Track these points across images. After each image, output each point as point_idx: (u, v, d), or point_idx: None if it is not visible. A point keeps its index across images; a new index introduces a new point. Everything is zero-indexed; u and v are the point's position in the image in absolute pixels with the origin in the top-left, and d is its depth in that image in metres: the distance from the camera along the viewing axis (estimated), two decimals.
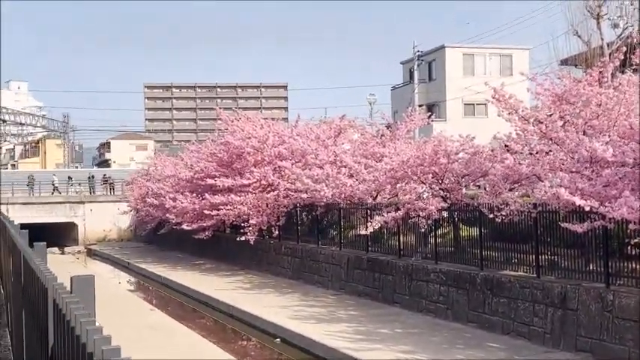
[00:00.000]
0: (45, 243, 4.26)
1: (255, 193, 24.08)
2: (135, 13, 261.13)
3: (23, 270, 3.85)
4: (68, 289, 2.21)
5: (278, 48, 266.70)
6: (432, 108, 41.67)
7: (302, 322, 15.13)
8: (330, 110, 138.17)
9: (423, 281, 15.92)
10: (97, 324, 1.71)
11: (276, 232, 24.12)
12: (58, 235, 45.39)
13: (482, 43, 46.30)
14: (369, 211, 18.62)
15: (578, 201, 10.57)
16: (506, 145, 14.51)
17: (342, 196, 20.02)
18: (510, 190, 14.04)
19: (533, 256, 13.26)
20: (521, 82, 26.77)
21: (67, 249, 43.68)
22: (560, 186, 10.99)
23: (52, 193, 50.38)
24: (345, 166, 20.47)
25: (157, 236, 36.51)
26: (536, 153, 13.25)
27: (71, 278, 2.38)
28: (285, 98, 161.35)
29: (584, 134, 12.46)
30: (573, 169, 12.03)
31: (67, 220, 47.47)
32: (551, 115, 13.57)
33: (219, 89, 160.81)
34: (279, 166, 23.48)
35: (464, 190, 16.83)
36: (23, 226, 9.67)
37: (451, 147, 16.01)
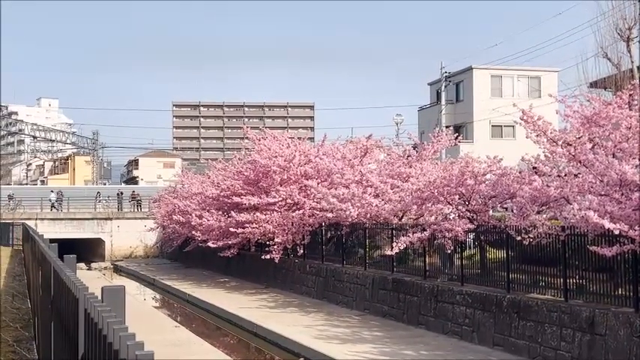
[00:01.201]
0: (75, 256, 4.32)
1: (280, 212, 24.14)
2: (165, 33, 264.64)
3: (53, 282, 3.90)
4: (99, 299, 2.25)
5: (305, 68, 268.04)
6: (459, 129, 41.44)
7: (326, 342, 15.05)
8: (356, 130, 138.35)
9: (449, 303, 15.79)
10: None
11: (301, 251, 24.11)
12: (85, 250, 45.84)
13: (511, 65, 46.14)
14: (394, 232, 18.56)
15: (607, 224, 10.44)
16: (534, 167, 14.42)
17: (368, 215, 19.99)
18: (538, 212, 13.91)
19: (561, 280, 13.10)
20: (549, 105, 26.65)
21: (93, 265, 44.05)
22: (589, 209, 10.87)
23: (51, 210, 50.71)
24: (371, 186, 20.45)
25: (183, 253, 36.69)
26: (565, 175, 13.13)
27: (102, 288, 2.41)
28: (312, 118, 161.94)
29: (613, 157, 12.32)
30: (602, 192, 11.90)
31: (94, 236, 47.94)
32: (580, 138, 13.47)
33: (246, 108, 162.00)
34: (305, 185, 23.52)
35: (491, 212, 16.72)
36: (51, 241, 9.80)
37: (478, 168, 15.94)
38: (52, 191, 55.10)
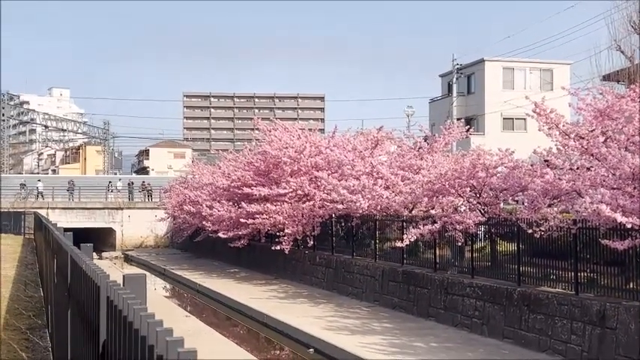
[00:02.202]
0: (92, 245, 4.35)
1: (291, 203, 24.18)
2: (176, 23, 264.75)
3: (70, 270, 3.94)
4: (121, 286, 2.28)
5: (315, 59, 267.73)
6: (471, 121, 41.28)
7: (336, 333, 15.10)
8: (367, 122, 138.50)
9: (459, 295, 15.79)
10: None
11: (311, 242, 24.15)
12: (96, 240, 45.92)
13: (523, 57, 45.92)
14: (404, 224, 18.56)
15: (619, 218, 10.42)
16: (546, 160, 14.37)
17: (378, 207, 20.00)
18: (549, 205, 13.88)
19: (572, 273, 13.07)
20: (561, 97, 26.54)
21: (104, 254, 44.29)
22: (602, 202, 10.84)
23: (37, 199, 50.68)
24: (381, 178, 20.45)
25: (193, 243, 36.85)
26: (577, 168, 13.09)
27: (123, 276, 2.44)
28: (322, 109, 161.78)
29: (626, 150, 12.27)
30: (615, 186, 11.86)
31: (105, 226, 48.18)
32: (592, 131, 13.41)
33: (256, 99, 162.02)
34: (315, 177, 23.54)
35: (502, 205, 16.69)
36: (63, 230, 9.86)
37: (490, 161, 15.90)
38: (39, 180, 55.03)
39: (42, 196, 51.56)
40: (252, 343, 17.19)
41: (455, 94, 46.19)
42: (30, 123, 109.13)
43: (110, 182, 56.31)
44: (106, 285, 2.27)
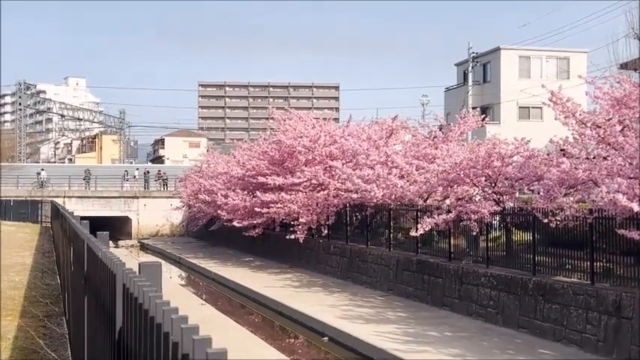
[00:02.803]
0: (108, 233, 4.39)
1: (305, 192, 24.20)
2: (191, 13, 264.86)
3: (86, 258, 3.97)
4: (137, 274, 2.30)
5: (330, 49, 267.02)
6: (486, 110, 41.11)
7: (350, 322, 15.14)
8: (381, 111, 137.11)
9: (474, 285, 15.77)
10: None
11: (326, 232, 24.18)
12: (112, 228, 46.24)
13: (539, 46, 45.57)
14: (419, 213, 18.53)
15: (636, 207, 10.35)
16: (562, 149, 14.28)
17: (393, 197, 19.97)
18: (565, 195, 13.80)
19: (588, 263, 13.01)
20: (578, 86, 26.31)
21: (120, 242, 44.59)
22: (618, 192, 10.76)
23: (40, 187, 50.90)
24: (396, 167, 20.42)
25: (208, 232, 37.02)
26: (594, 158, 12.99)
27: (139, 264, 2.46)
28: (337, 98, 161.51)
29: None
30: (631, 175, 11.77)
31: (121, 214, 48.47)
32: (609, 120, 13.30)
33: (271, 88, 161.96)
34: (329, 166, 23.53)
35: (517, 194, 16.61)
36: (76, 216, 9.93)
37: (505, 150, 15.82)
38: (41, 169, 55.22)
39: (44, 184, 51.75)
40: (266, 331, 17.27)
41: (470, 82, 45.93)
42: (46, 112, 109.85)
43: (126, 171, 56.58)
44: (122, 273, 2.29)
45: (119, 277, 2.34)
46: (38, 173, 53.91)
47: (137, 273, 2.32)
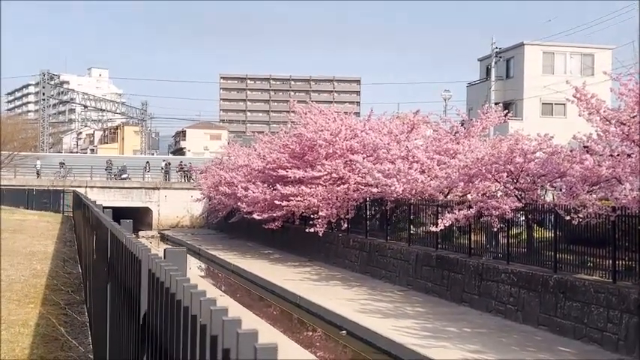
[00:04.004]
0: (131, 220, 4.41)
1: (325, 186, 24.19)
2: (213, 5, 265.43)
3: (110, 245, 4.00)
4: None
5: (352, 42, 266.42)
6: (509, 106, 40.69)
7: (369, 316, 15.13)
8: (402, 106, 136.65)
9: (494, 281, 15.69)
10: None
11: (345, 225, 24.16)
12: (133, 219, 45.48)
13: (564, 42, 45.10)
14: (439, 208, 18.46)
15: None
16: (585, 146, 14.15)
17: (413, 191, 19.91)
18: (588, 192, 13.68)
19: (610, 261, 12.89)
20: (603, 83, 26.03)
21: (140, 233, 44.85)
22: None
23: (37, 177, 51.06)
24: (417, 162, 20.34)
25: (228, 224, 37.14)
26: (617, 155, 12.85)
27: (164, 250, 2.47)
28: (358, 92, 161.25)
29: None
30: None
31: (142, 205, 48.75)
32: (634, 117, 13.15)
33: (292, 82, 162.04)
34: (350, 160, 23.50)
35: (539, 191, 16.49)
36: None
37: (528, 146, 15.70)
38: (37, 159, 55.43)
39: (39, 174, 51.90)
40: (285, 323, 17.31)
41: (493, 78, 45.58)
42: (69, 103, 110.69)
43: (148, 162, 56.85)
44: (148, 258, 2.30)
45: (144, 262, 2.34)
46: (61, 163, 54.36)
47: (162, 258, 2.34)
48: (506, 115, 22.56)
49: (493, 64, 45.67)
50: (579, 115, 14.03)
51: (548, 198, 16.39)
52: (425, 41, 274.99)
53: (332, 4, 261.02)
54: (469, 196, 18.62)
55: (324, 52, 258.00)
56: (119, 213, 7.52)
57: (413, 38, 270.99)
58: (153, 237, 43.77)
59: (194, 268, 30.00)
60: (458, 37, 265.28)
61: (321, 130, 25.23)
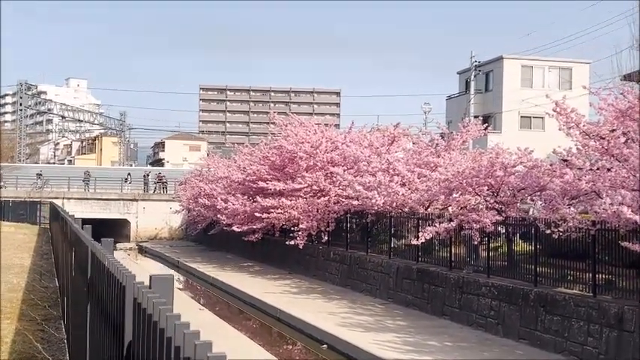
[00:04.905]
0: (112, 239, 4.31)
1: (306, 198, 24.13)
2: (192, 15, 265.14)
3: (91, 265, 3.89)
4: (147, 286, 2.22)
5: (331, 55, 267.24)
6: (488, 119, 40.99)
7: (350, 330, 15.04)
8: (382, 118, 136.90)
9: (474, 295, 15.69)
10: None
11: (326, 238, 24.10)
12: (111, 231, 46.16)
13: (542, 56, 45.53)
14: (420, 221, 18.46)
15: None
16: (564, 160, 14.22)
17: (394, 204, 19.91)
18: (568, 205, 13.73)
19: (590, 275, 12.93)
20: (581, 97, 26.27)
21: (118, 245, 44.39)
22: (622, 204, 10.70)
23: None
24: (397, 175, 20.35)
25: (207, 236, 36.90)
26: (597, 169, 12.93)
27: (150, 277, 2.36)
28: (338, 104, 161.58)
29: None
30: (635, 187, 11.71)
31: (120, 217, 48.36)
32: (613, 131, 13.25)
33: (272, 93, 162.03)
34: (331, 172, 23.48)
35: (523, 205, 16.56)
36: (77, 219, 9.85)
37: (508, 160, 15.76)
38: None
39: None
40: (265, 337, 17.17)
41: (472, 91, 45.89)
42: (47, 113, 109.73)
43: (129, 174, 56.38)
44: (133, 286, 2.21)
45: (129, 289, 2.25)
46: (38, 174, 53.79)
47: (148, 286, 2.24)
48: (485, 128, 22.68)
49: (472, 77, 46.00)
50: (559, 130, 14.12)
51: (536, 212, 16.44)
52: (405, 54, 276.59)
53: (312, 17, 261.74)
54: (449, 209, 18.66)
55: (304, 63, 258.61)
56: (96, 225, 7.41)
57: (393, 51, 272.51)
58: (131, 249, 43.38)
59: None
60: (438, 50, 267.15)
61: (302, 142, 25.20)
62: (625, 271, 12.37)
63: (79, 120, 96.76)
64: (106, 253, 3.25)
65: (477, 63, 46.34)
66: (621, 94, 14.30)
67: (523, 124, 45.61)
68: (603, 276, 12.86)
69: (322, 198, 23.67)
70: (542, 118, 40.93)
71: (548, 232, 13.43)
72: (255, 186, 26.74)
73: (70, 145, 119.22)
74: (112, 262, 2.88)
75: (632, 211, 10.54)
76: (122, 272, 2.48)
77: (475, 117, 36.01)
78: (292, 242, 23.70)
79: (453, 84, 53.22)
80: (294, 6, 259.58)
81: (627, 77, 25.54)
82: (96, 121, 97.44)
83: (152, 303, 1.84)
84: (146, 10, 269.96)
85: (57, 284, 12.97)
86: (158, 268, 33.95)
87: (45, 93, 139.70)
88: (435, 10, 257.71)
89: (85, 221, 9.15)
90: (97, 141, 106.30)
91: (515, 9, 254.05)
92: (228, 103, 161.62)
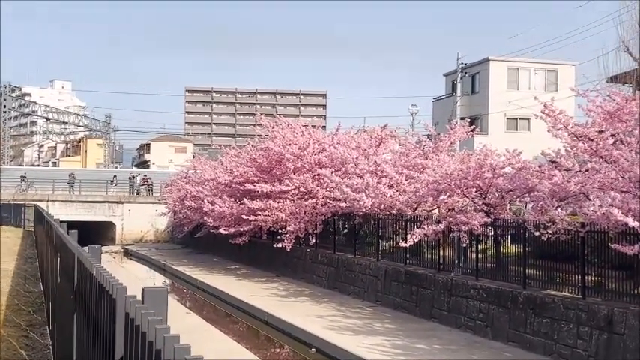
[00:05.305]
0: (100, 246, 4.20)
1: (293, 200, 24.01)
2: (178, 17, 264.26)
3: (78, 273, 3.76)
4: (139, 299, 2.10)
5: (317, 57, 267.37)
6: (474, 121, 40.93)
7: (338, 333, 14.95)
8: (369, 120, 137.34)
9: (463, 297, 15.64)
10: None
11: (313, 240, 23.99)
12: (96, 233, 45.90)
13: (528, 57, 45.70)
14: (408, 223, 18.41)
15: (631, 222, 10.25)
16: (553, 162, 14.20)
17: (382, 206, 19.83)
18: (557, 207, 13.71)
19: (579, 277, 12.91)
20: (566, 99, 26.31)
21: (104, 248, 43.89)
22: (612, 206, 10.67)
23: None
24: (385, 177, 20.28)
25: (194, 239, 36.69)
26: (586, 171, 12.91)
27: (143, 289, 2.23)
28: (324, 106, 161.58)
29: (637, 154, 12.10)
30: (624, 189, 11.70)
31: (105, 220, 47.99)
32: (601, 132, 13.25)
33: (258, 95, 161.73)
34: (318, 174, 23.38)
35: (509, 206, 16.54)
36: (63, 223, 9.68)
37: (497, 161, 15.73)
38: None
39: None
40: (253, 341, 17.03)
41: (459, 93, 45.98)
42: (31, 115, 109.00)
43: (115, 176, 55.99)
44: (125, 300, 2.09)
45: (120, 303, 2.13)
46: (23, 177, 53.28)
47: (140, 299, 2.12)
48: (473, 130, 22.67)
49: (459, 79, 46.08)
50: (548, 131, 14.10)
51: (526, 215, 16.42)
52: (391, 56, 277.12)
53: (297, 19, 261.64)
54: (435, 211, 18.63)
55: (290, 65, 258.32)
56: (81, 228, 7.27)
57: (379, 53, 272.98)
58: (116, 252, 43.06)
59: (159, 284, 29.53)
60: (424, 51, 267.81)
61: (289, 144, 25.09)
62: (614, 272, 12.37)
63: (63, 122, 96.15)
64: (94, 262, 3.12)
65: (463, 65, 46.44)
66: (608, 95, 14.32)
67: (509, 125, 45.74)
68: (592, 278, 12.85)
69: (310, 200, 23.56)
70: (529, 119, 41.11)
71: (537, 234, 13.40)
72: (242, 188, 26.58)
73: (55, 147, 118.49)
74: (100, 271, 2.75)
75: (622, 213, 10.51)
76: (112, 284, 2.35)
77: (462, 119, 36.10)
78: (280, 245, 23.57)
79: (439, 86, 53.36)
80: (280, 6, 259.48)
81: (613, 79, 25.64)
82: (81, 123, 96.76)
83: (147, 320, 1.73)
84: (131, 12, 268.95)
85: (42, 289, 12.79)
86: (144, 271, 33.72)
87: (29, 95, 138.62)
88: (422, 10, 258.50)
89: (70, 224, 9.00)
90: (81, 143, 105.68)
91: (502, 10, 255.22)
92: (214, 104, 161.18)
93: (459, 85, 46.05)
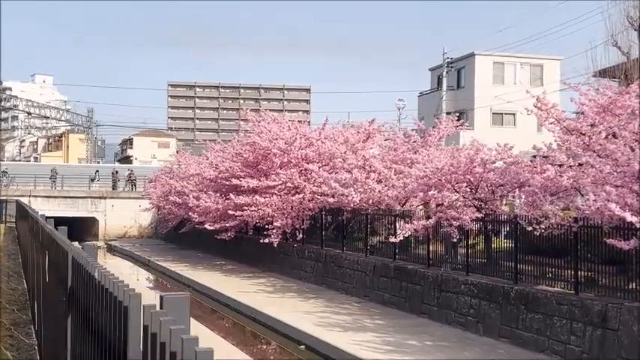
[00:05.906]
0: (94, 243, 3.97)
1: (280, 195, 23.77)
2: (161, 11, 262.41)
3: (73, 273, 3.51)
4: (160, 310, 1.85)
5: (301, 52, 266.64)
6: (460, 116, 40.91)
7: (327, 330, 14.75)
8: (353, 115, 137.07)
9: (453, 293, 15.49)
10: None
11: (300, 236, 23.77)
12: (79, 229, 45.37)
13: (514, 52, 45.70)
14: (397, 218, 18.24)
15: (629, 217, 10.12)
16: (544, 156, 14.07)
17: (370, 201, 19.66)
18: (550, 202, 13.59)
19: (571, 272, 12.78)
20: (552, 93, 26.24)
21: (86, 244, 43.57)
22: (608, 200, 10.54)
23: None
24: (374, 171, 20.10)
25: (178, 235, 36.33)
26: (579, 165, 12.79)
27: (161, 297, 1.96)
28: (308, 101, 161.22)
29: (631, 148, 11.98)
30: (618, 184, 11.58)
31: (88, 215, 47.48)
32: (593, 126, 13.14)
33: (242, 90, 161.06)
34: (305, 169, 23.15)
35: (505, 201, 16.41)
36: (48, 219, 9.39)
37: (488, 156, 15.58)
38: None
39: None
40: (241, 338, 16.80)
41: (445, 88, 45.89)
42: (12, 109, 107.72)
43: (97, 171, 55.45)
44: (142, 309, 1.84)
45: (134, 312, 1.89)
46: (4, 172, 52.58)
47: (158, 308, 1.87)
48: (461, 124, 22.55)
49: (444, 73, 45.99)
50: (541, 125, 13.98)
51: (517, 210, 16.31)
52: (376, 50, 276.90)
53: (281, 13, 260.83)
54: (421, 206, 18.47)
55: (273, 60, 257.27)
56: (63, 223, 7.01)
57: (363, 47, 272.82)
58: (99, 247, 42.56)
59: (143, 280, 29.18)
60: (409, 46, 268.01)
61: (276, 139, 24.83)
62: (607, 268, 12.25)
63: (45, 117, 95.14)
64: (94, 264, 2.86)
65: (449, 59, 46.36)
66: (597, 89, 14.22)
67: (495, 120, 45.75)
68: (585, 273, 12.73)
69: (297, 195, 23.33)
70: (514, 114, 41.16)
71: (529, 229, 13.27)
72: (228, 183, 26.29)
73: (36, 142, 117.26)
74: (105, 275, 2.48)
75: (620, 208, 10.38)
76: (122, 289, 2.10)
77: (447, 113, 36.02)
78: (266, 240, 23.33)
79: (425, 80, 53.26)
80: (262, 6, 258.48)
81: (602, 73, 25.61)
82: (62, 118, 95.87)
83: (180, 340, 1.48)
84: (114, 8, 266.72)
85: (25, 286, 12.47)
86: (127, 267, 33.34)
87: (10, 89, 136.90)
88: (408, 6, 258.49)
89: (54, 220, 8.72)
90: (63, 138, 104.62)
91: (488, 4, 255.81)
92: (197, 99, 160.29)
93: (444, 80, 45.96)
